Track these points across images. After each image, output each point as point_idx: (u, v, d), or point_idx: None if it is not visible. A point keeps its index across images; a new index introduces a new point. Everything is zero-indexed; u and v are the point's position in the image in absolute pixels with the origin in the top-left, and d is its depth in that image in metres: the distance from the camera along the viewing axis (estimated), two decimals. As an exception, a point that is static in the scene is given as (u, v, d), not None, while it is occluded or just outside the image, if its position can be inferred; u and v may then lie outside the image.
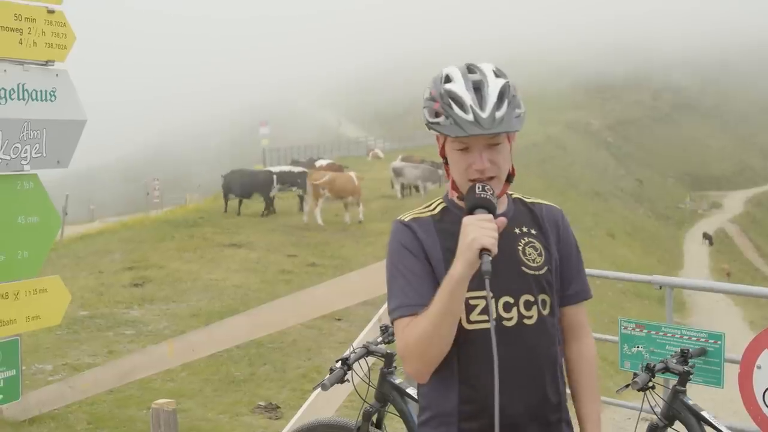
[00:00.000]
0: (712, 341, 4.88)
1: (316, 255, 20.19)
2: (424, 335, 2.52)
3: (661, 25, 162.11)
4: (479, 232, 2.42)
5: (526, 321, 2.67)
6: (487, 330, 2.49)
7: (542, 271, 2.72)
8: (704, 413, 4.29)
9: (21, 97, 3.87)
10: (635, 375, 4.28)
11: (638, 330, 5.16)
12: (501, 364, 2.45)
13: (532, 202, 2.87)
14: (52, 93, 4.01)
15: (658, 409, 4.37)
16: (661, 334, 5.10)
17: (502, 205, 2.74)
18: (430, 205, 2.83)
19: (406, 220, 2.76)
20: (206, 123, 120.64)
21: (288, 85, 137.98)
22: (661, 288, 5.54)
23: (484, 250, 2.40)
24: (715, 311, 32.60)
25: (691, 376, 4.44)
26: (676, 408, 4.36)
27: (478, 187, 2.55)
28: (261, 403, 8.86)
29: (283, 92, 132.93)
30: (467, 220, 2.48)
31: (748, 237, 72.33)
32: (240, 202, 27.95)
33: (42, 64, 4.00)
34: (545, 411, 2.71)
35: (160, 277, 15.97)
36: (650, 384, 4.26)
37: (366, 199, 28.37)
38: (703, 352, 4.84)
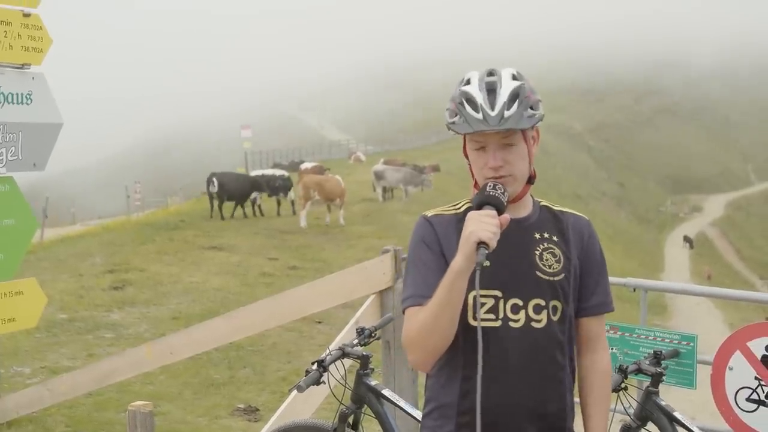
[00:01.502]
0: (685, 343, 4.93)
1: (297, 258, 20.17)
2: (425, 326, 2.60)
3: (644, 29, 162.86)
4: (478, 225, 2.49)
5: (534, 324, 2.71)
6: (492, 329, 2.62)
7: (558, 278, 2.75)
8: (676, 414, 4.34)
9: (-3, 100, 3.87)
10: (608, 376, 4.32)
11: (612, 332, 5.20)
12: (502, 364, 2.60)
13: (560, 210, 2.91)
14: (28, 96, 4.01)
15: (631, 410, 4.41)
16: (634, 336, 5.15)
17: (525, 209, 2.83)
18: (457, 204, 2.90)
19: (429, 215, 2.86)
20: (188, 126, 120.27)
21: (270, 88, 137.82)
22: (635, 290, 5.59)
23: (481, 244, 2.46)
24: (696, 314, 32.73)
25: (663, 378, 4.48)
26: (649, 409, 4.41)
27: (489, 185, 2.64)
28: (240, 405, 8.86)
29: (264, 95, 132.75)
30: (471, 214, 2.56)
31: (728, 240, 72.90)
32: (236, 206, 27.89)
33: (18, 68, 4.00)
34: (545, 416, 2.74)
35: (140, 280, 15.92)
36: (623, 385, 4.31)
37: (348, 202, 28.34)
38: (675, 354, 4.89)
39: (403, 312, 2.75)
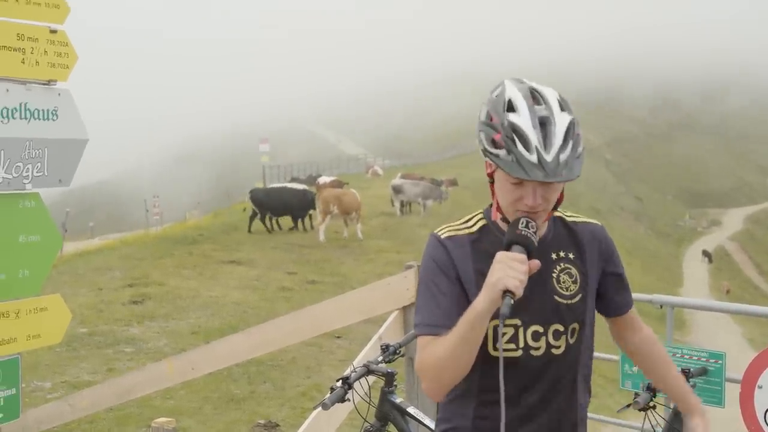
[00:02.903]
0: (713, 361, 4.87)
1: (315, 272, 20.17)
2: (440, 360, 2.49)
3: (661, 42, 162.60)
4: (506, 272, 2.34)
5: (554, 351, 2.65)
6: (511, 359, 2.56)
7: (575, 300, 2.67)
8: (705, 433, 4.28)
9: (23, 116, 3.87)
10: (636, 395, 4.27)
11: (639, 349, 5.14)
12: (522, 393, 2.59)
13: (573, 222, 2.80)
14: (54, 112, 4.01)
15: (659, 429, 4.36)
16: (662, 353, 5.09)
17: (542, 228, 2.65)
18: (469, 220, 2.75)
19: (442, 237, 2.69)
20: (206, 140, 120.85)
21: (288, 103, 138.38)
22: (662, 307, 5.53)
23: (507, 292, 2.33)
24: (715, 329, 32.56)
25: (692, 396, 4.42)
26: (677, 427, 4.36)
27: (522, 223, 2.46)
28: (260, 421, 8.84)
29: (282, 110, 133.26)
30: (500, 256, 2.40)
31: (747, 254, 72.41)
32: (274, 221, 27.96)
33: (44, 84, 4.00)
34: None
35: (159, 295, 15.95)
36: (651, 404, 4.26)
37: (365, 216, 28.37)
38: (704, 372, 4.83)
39: (416, 337, 2.66)
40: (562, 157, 2.42)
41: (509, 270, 2.34)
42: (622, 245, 53.13)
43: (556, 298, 2.64)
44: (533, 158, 2.40)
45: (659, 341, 2.97)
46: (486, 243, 2.63)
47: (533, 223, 2.48)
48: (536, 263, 2.43)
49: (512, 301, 2.32)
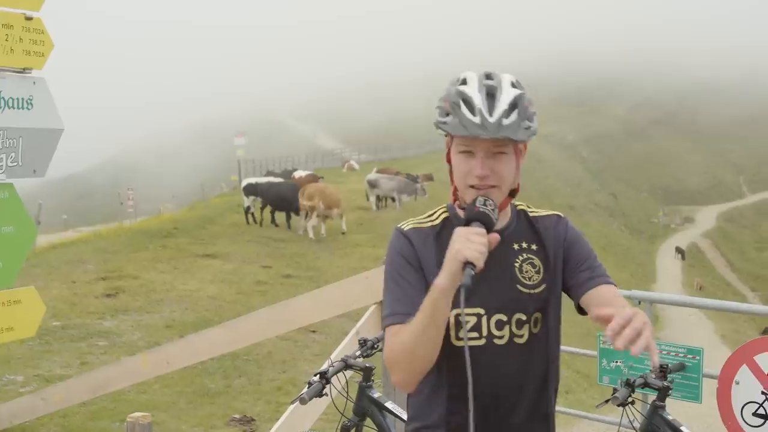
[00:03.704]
0: (691, 356, 4.89)
1: (291, 266, 20.12)
2: (407, 346, 2.48)
3: (637, 41, 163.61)
4: (465, 244, 2.36)
5: (517, 340, 2.64)
6: (475, 347, 2.52)
7: (538, 290, 2.67)
8: (683, 428, 4.28)
9: (-3, 105, 3.80)
10: (615, 390, 4.26)
11: (617, 345, 5.14)
12: (488, 382, 2.52)
13: (535, 216, 2.80)
14: (28, 101, 3.95)
15: (637, 424, 4.36)
16: (640, 349, 5.09)
17: (504, 218, 2.70)
18: (433, 214, 2.78)
19: (405, 229, 2.71)
20: (181, 133, 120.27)
21: (264, 96, 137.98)
22: (640, 303, 5.54)
23: (467, 263, 2.34)
24: (688, 325, 32.83)
25: (670, 392, 4.43)
26: (656, 423, 4.35)
27: (479, 201, 2.50)
28: (236, 415, 8.78)
29: (258, 103, 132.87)
30: (459, 230, 2.43)
31: (719, 251, 73.06)
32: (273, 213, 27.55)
33: (19, 72, 3.94)
34: (533, 425, 2.71)
35: (133, 288, 15.84)
36: (630, 399, 4.25)
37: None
38: (682, 368, 4.85)
39: (383, 329, 2.63)
40: (506, 121, 2.50)
41: (468, 243, 2.36)
42: (597, 241, 53.39)
43: (519, 287, 2.64)
44: (476, 119, 2.49)
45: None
46: (448, 235, 2.58)
47: (491, 201, 2.51)
48: (496, 236, 2.47)
49: (473, 272, 2.33)
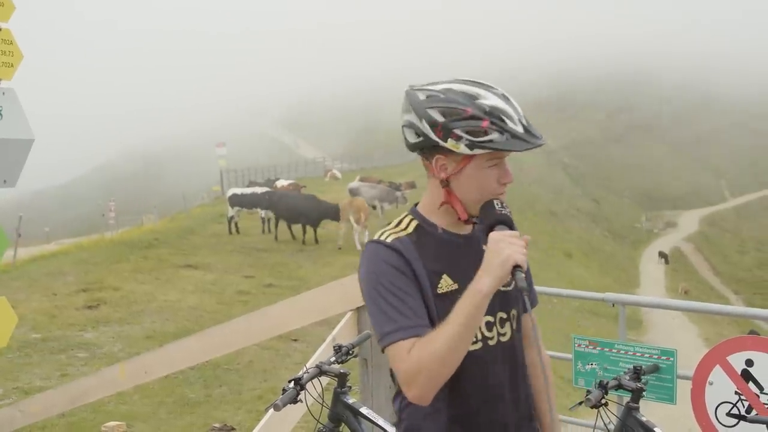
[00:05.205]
0: (665, 358, 4.90)
1: (273, 276, 20.09)
2: (440, 356, 2.36)
3: (618, 47, 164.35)
4: (512, 248, 2.36)
5: (502, 338, 2.67)
6: (476, 351, 2.58)
7: (510, 287, 2.67)
8: (657, 430, 4.31)
9: (-34, 115, 3.80)
10: (588, 392, 4.28)
11: (592, 347, 5.17)
12: (487, 383, 2.59)
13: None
14: (-2, 111, 3.94)
15: (611, 426, 4.37)
16: (614, 351, 5.12)
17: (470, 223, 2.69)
18: (401, 223, 2.69)
19: (389, 241, 2.59)
20: (162, 143, 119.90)
21: (244, 106, 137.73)
22: (614, 305, 5.56)
23: (516, 267, 2.35)
24: (671, 329, 32.91)
25: (644, 393, 4.44)
26: (630, 425, 4.37)
27: (497, 204, 2.51)
28: (216, 425, 8.75)
29: (239, 113, 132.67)
30: (496, 236, 2.41)
31: (702, 256, 73.29)
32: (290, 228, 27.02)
33: (-12, 82, 3.93)
34: (523, 423, 2.74)
35: (114, 299, 15.79)
36: (603, 401, 4.26)
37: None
38: (655, 369, 4.86)
39: (383, 349, 2.50)
40: (529, 121, 2.51)
41: (513, 246, 2.37)
42: (579, 247, 53.60)
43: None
44: (519, 129, 2.48)
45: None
46: (425, 241, 2.60)
47: (506, 203, 2.54)
48: (528, 238, 2.46)
49: (523, 274, 2.36)
